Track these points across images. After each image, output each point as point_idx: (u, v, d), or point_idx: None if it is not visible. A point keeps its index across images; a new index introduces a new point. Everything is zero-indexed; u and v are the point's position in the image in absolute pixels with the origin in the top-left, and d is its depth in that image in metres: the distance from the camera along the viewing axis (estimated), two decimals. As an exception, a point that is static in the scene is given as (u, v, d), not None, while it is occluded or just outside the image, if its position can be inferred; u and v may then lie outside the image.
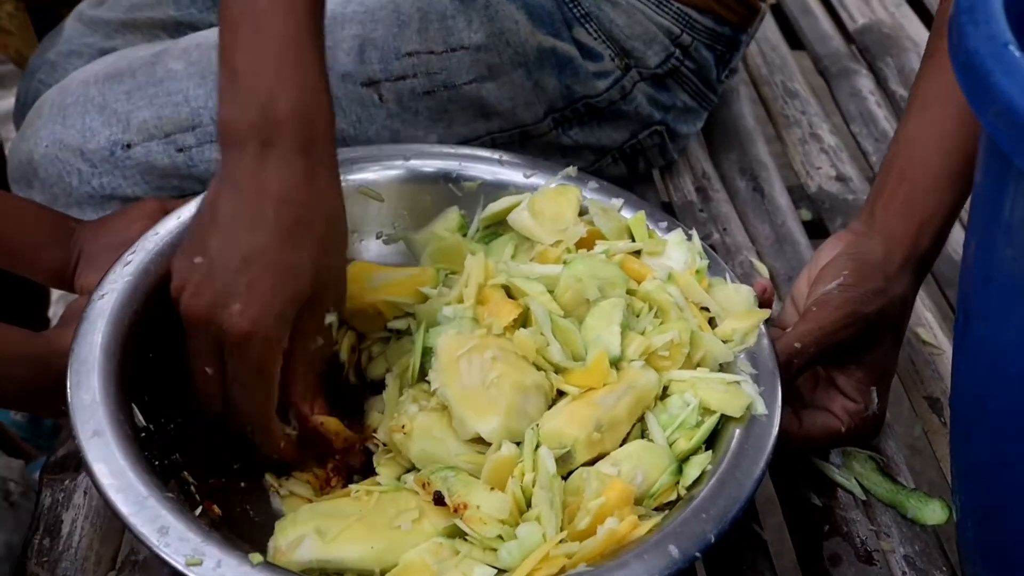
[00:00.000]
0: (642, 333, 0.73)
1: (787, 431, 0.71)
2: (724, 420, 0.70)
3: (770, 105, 1.23)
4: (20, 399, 0.80)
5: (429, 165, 0.86)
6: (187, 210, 0.79)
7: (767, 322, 0.75)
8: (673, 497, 0.67)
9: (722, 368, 0.73)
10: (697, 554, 0.61)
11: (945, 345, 0.92)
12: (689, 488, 0.67)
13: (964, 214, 1.05)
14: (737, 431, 0.69)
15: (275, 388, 0.68)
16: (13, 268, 0.96)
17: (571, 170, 0.85)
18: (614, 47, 0.99)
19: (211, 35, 1.01)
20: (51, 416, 0.90)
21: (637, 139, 1.06)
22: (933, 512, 0.78)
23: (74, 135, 0.98)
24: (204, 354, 0.67)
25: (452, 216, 0.85)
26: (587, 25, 0.98)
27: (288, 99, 0.65)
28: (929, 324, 0.94)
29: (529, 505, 0.66)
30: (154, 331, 0.74)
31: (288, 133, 0.65)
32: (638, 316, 0.75)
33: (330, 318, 0.69)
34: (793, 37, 1.35)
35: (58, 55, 1.11)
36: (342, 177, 0.70)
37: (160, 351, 0.74)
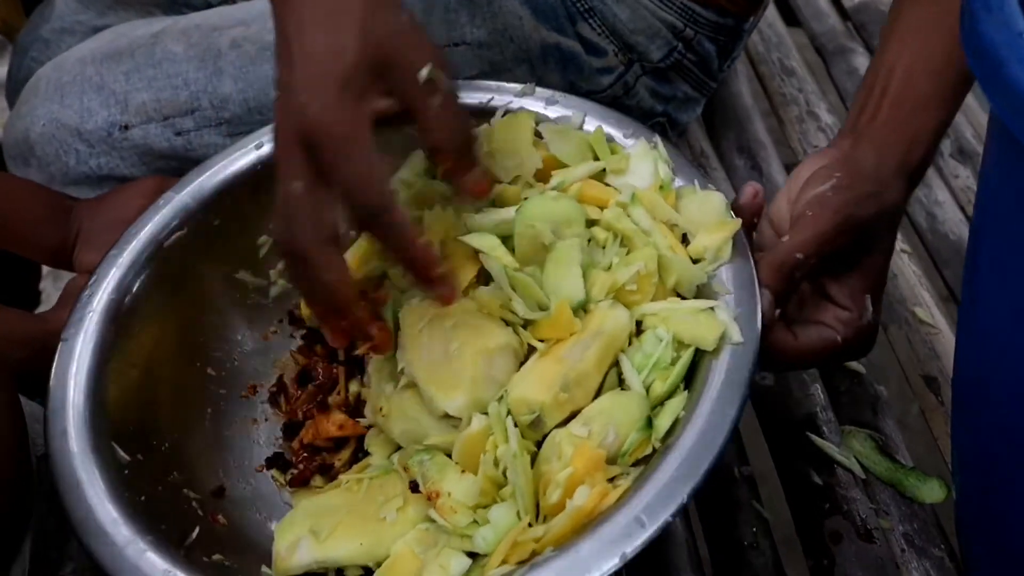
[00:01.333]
0: (608, 268, 0.69)
1: (783, 347, 0.69)
2: (700, 352, 0.66)
3: (767, 83, 1.23)
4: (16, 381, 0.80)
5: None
6: (147, 229, 0.77)
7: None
8: (648, 451, 0.64)
9: (700, 291, 0.68)
10: (671, 518, 0.58)
11: (942, 325, 0.92)
12: (663, 439, 0.63)
13: (965, 203, 1.06)
14: (713, 363, 0.64)
15: (373, 155, 0.63)
16: (11, 247, 0.95)
17: (529, 87, 0.80)
18: (617, 42, 0.99)
19: (210, 16, 1.00)
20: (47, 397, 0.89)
21: None
22: (931, 490, 0.79)
23: (72, 115, 0.98)
24: (291, 172, 0.62)
25: (417, 160, 0.79)
26: (591, 20, 0.98)
27: None
28: (926, 303, 0.95)
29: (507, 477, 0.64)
30: (133, 355, 0.73)
31: None
32: (604, 247, 0.70)
33: (424, 72, 0.63)
34: (790, 15, 1.35)
35: (51, 32, 1.10)
36: None
37: (143, 374, 0.73)
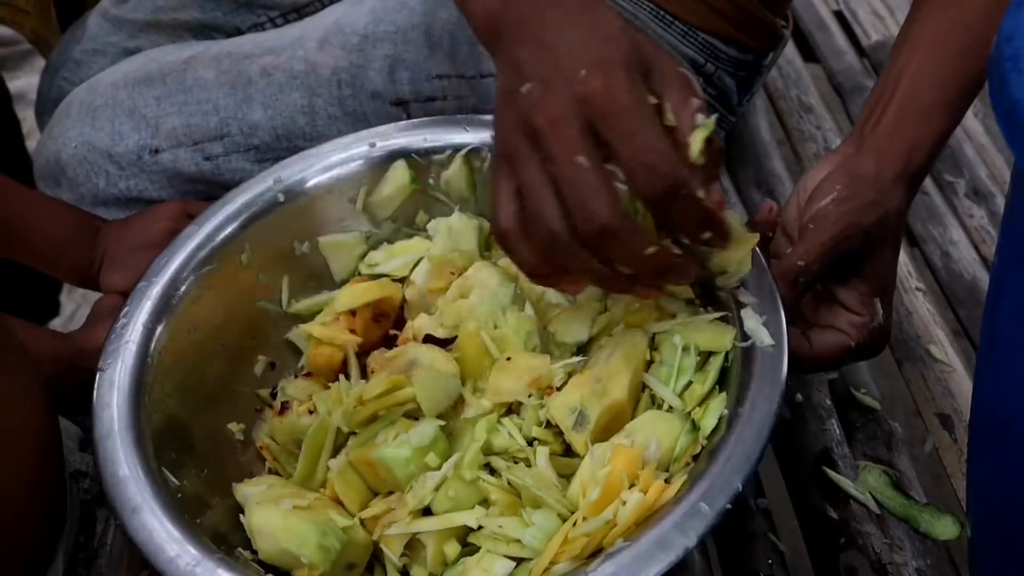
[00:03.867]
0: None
1: (799, 353, 0.71)
2: (731, 357, 0.69)
3: (785, 119, 1.24)
4: None
5: (394, 143, 0.84)
6: (176, 260, 0.79)
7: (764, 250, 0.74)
8: (697, 450, 0.67)
9: (724, 302, 0.72)
10: (728, 506, 0.60)
11: (956, 363, 0.94)
12: (709, 436, 0.67)
13: (979, 242, 1.07)
14: (746, 366, 0.67)
15: (662, 129, 0.62)
16: (39, 266, 0.97)
17: None
18: None
19: (241, 43, 1.02)
20: (77, 415, 0.91)
21: None
22: (945, 527, 0.80)
23: (103, 137, 0.99)
24: (571, 147, 0.60)
25: (400, 172, 0.84)
26: None
27: None
28: (940, 342, 0.96)
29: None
30: (165, 388, 0.74)
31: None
32: None
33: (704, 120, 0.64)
34: (808, 51, 1.37)
35: (82, 53, 1.12)
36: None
37: (173, 407, 0.75)
